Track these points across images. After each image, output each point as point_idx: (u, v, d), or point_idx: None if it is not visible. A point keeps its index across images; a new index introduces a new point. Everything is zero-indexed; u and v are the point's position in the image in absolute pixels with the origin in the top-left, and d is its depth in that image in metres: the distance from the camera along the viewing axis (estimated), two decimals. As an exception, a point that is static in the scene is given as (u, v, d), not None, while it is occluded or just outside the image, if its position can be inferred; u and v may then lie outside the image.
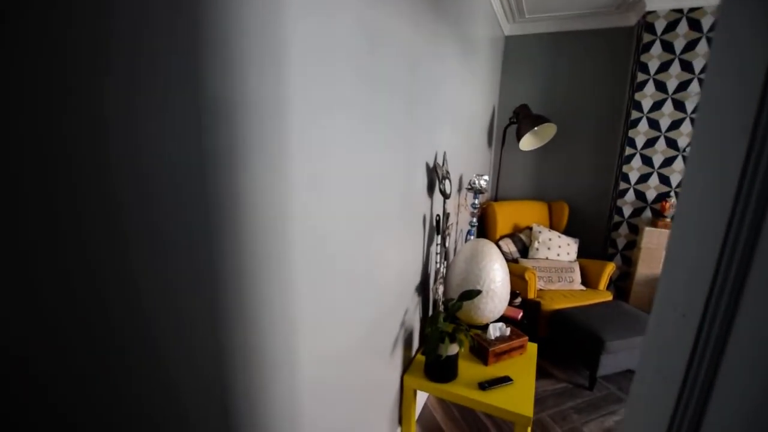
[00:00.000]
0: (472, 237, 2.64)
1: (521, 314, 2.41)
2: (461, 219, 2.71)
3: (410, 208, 1.63)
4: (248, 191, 0.71)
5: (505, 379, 1.66)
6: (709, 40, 2.54)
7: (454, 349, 1.63)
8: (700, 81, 2.60)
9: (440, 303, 1.88)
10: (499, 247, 3.14)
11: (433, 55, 1.67)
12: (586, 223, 3.46)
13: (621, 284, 3.11)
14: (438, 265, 1.86)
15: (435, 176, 1.81)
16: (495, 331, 1.94)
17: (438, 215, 1.81)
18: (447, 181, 1.83)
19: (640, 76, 2.73)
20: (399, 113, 1.37)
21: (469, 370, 1.75)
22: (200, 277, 0.65)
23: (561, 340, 2.60)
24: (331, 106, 0.94)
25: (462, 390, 1.60)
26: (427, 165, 1.76)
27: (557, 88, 3.31)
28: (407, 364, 1.83)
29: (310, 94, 0.85)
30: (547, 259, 3.06)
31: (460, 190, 2.54)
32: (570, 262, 3.04)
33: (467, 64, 2.34)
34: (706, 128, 0.37)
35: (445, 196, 1.81)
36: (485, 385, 1.61)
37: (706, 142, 0.37)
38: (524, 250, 3.16)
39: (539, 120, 2.96)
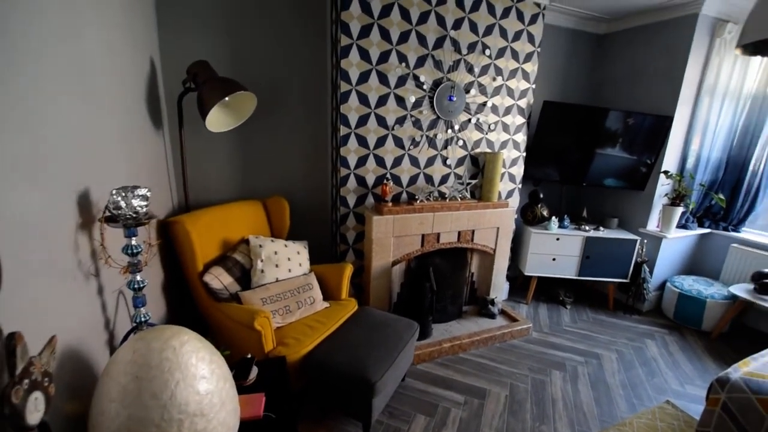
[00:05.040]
0: (142, 311, 1.39)
1: (263, 401, 1.48)
2: (108, 278, 1.38)
3: None
4: None
5: None
6: (401, 8, 2.33)
7: None
8: (398, 53, 2.41)
9: None
10: (206, 285, 2.02)
11: None
12: (311, 220, 2.88)
13: (357, 280, 2.77)
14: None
15: None
16: None
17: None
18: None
19: (344, 39, 2.25)
20: None
21: None
22: None
23: (320, 392, 1.90)
24: None
25: None
26: None
27: (247, 44, 2.39)
28: None
29: None
30: (277, 281, 2.24)
31: (88, 225, 1.21)
32: (305, 275, 2.36)
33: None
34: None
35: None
36: None
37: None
38: (245, 278, 2.19)
39: (230, 86, 1.96)
